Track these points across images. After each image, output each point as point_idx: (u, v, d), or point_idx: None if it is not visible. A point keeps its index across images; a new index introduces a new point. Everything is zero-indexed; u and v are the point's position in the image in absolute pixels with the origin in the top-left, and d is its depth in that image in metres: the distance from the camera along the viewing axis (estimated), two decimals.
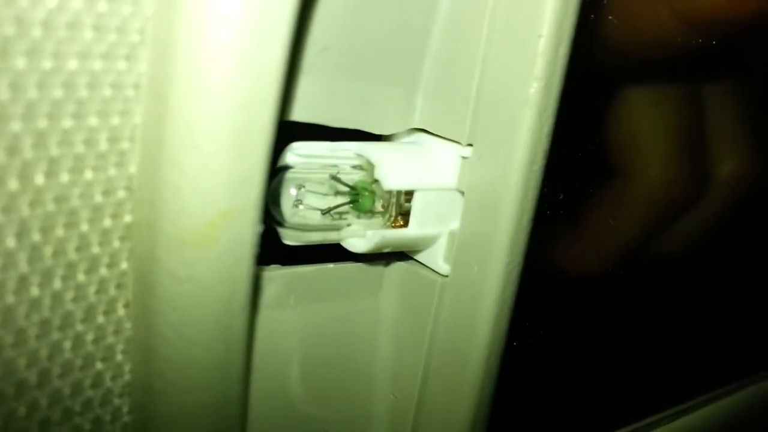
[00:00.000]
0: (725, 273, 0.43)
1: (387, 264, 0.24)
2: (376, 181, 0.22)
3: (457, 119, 0.22)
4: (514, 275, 0.22)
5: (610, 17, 0.29)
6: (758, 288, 0.45)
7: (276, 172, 0.21)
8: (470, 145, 0.22)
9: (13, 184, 0.14)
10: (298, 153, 0.21)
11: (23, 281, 0.15)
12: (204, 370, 0.17)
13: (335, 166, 0.22)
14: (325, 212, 0.22)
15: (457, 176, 0.22)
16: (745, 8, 0.28)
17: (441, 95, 0.22)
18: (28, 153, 0.15)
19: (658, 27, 0.29)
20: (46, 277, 0.16)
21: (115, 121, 0.16)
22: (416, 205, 0.22)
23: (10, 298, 0.15)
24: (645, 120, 0.34)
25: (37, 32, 0.14)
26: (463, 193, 0.22)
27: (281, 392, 0.22)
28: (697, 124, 0.36)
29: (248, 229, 0.16)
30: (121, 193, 0.17)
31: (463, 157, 0.22)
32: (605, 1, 0.29)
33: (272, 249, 0.22)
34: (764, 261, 0.44)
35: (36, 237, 0.15)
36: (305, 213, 0.21)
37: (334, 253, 0.23)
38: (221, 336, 0.17)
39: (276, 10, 0.15)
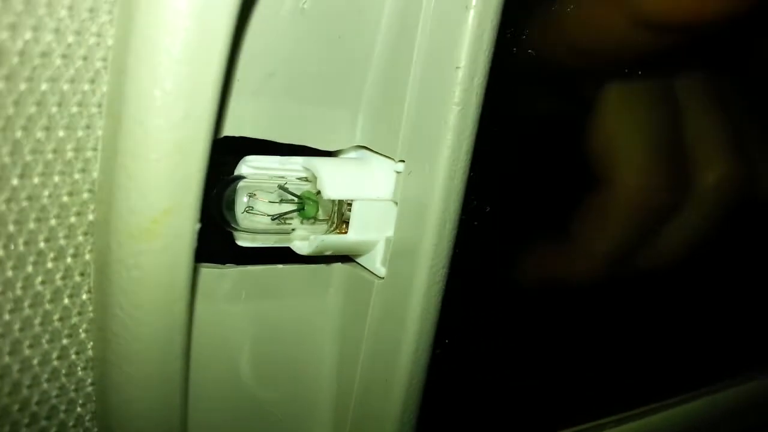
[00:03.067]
0: (712, 282, 0.42)
1: (333, 266, 0.27)
2: (320, 192, 0.25)
3: (392, 138, 0.25)
4: (440, 276, 0.25)
5: (566, 26, 0.30)
6: (746, 294, 0.45)
7: (230, 181, 0.24)
8: (402, 161, 0.25)
9: None
10: (250, 165, 0.24)
11: None
12: (148, 345, 0.20)
13: (283, 177, 0.25)
14: (274, 218, 0.25)
15: (393, 188, 0.25)
16: (700, 12, 0.28)
17: (378, 116, 0.25)
18: (5, 158, 0.18)
19: (616, 32, 0.30)
20: (20, 261, 0.19)
21: (81, 133, 0.19)
22: (354, 214, 0.25)
23: None
24: (618, 127, 0.34)
25: (14, 60, 0.18)
26: (396, 203, 0.25)
27: (231, 377, 0.25)
28: (673, 130, 0.36)
29: (187, 225, 0.19)
30: (86, 195, 0.20)
31: (397, 172, 0.25)
32: (559, 12, 0.30)
33: (229, 251, 0.25)
34: (751, 267, 0.44)
35: (11, 228, 0.18)
36: (255, 218, 0.24)
37: (288, 257, 0.26)
38: (163, 317, 0.19)
39: (210, 46, 0.18)
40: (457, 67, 0.23)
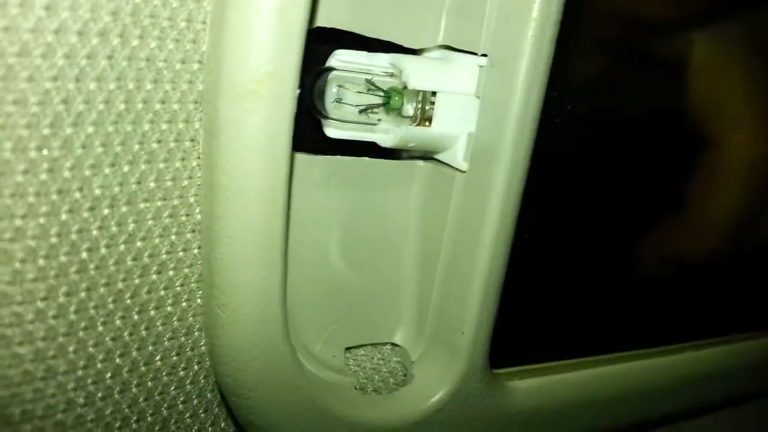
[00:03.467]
0: None
1: (416, 162, 0.28)
2: (405, 87, 0.26)
3: (475, 33, 0.26)
4: (520, 169, 0.25)
5: None
6: None
7: (322, 71, 0.26)
8: (485, 55, 0.26)
9: (115, 40, 0.20)
10: (340, 59, 0.26)
11: (119, 116, 0.20)
12: (253, 200, 0.21)
13: (370, 72, 0.26)
14: (362, 110, 0.26)
15: (476, 83, 0.26)
16: None
17: (462, 13, 0.26)
18: (126, 18, 0.20)
19: None
20: (138, 118, 0.21)
21: (192, 5, 0.21)
22: (438, 106, 0.26)
23: (110, 128, 0.20)
24: (718, 78, 0.32)
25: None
26: (479, 97, 0.26)
27: (322, 257, 0.27)
28: None
29: (288, 87, 0.21)
30: (196, 66, 0.22)
31: (480, 66, 0.26)
32: None
33: (320, 146, 0.27)
34: None
35: (130, 85, 0.20)
36: (344, 108, 0.26)
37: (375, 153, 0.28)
38: (266, 167, 0.21)
39: None
40: None
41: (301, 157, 0.26)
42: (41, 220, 0.20)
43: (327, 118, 0.26)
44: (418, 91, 0.26)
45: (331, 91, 0.26)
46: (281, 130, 0.21)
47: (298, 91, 0.21)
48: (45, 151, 0.19)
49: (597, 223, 0.32)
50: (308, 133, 0.26)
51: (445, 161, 0.28)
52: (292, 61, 0.21)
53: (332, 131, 0.26)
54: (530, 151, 0.26)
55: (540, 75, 0.25)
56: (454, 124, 0.27)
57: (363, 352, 0.29)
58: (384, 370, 0.29)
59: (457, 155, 0.27)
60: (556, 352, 0.31)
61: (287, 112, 0.21)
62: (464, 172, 0.27)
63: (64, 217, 0.20)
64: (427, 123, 0.27)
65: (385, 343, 0.29)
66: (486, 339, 0.27)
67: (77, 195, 0.20)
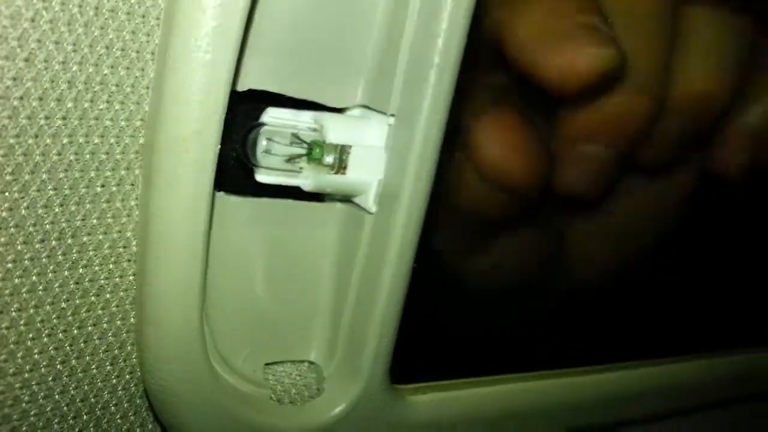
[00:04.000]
0: None
1: (335, 205, 0.33)
2: (325, 140, 0.30)
3: (386, 96, 0.30)
4: (416, 211, 0.30)
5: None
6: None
7: (255, 126, 0.30)
8: (393, 115, 0.30)
9: (70, 104, 0.24)
10: (270, 115, 0.30)
11: (70, 165, 0.25)
12: (176, 233, 0.25)
13: (296, 127, 0.31)
14: (287, 159, 0.30)
15: (385, 138, 0.31)
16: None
17: (376, 79, 0.31)
18: (80, 86, 0.24)
19: None
20: (85, 167, 0.25)
21: (138, 73, 0.25)
22: (352, 157, 0.31)
23: (61, 175, 0.24)
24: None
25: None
26: (387, 150, 0.31)
27: (246, 285, 0.31)
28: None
29: (211, 144, 0.25)
30: (138, 123, 0.26)
31: (389, 124, 0.30)
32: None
33: (249, 190, 0.31)
34: None
35: (81, 139, 0.25)
36: (272, 157, 0.30)
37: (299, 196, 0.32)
38: (189, 209, 0.25)
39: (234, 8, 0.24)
40: (438, 35, 0.28)
41: (233, 200, 0.30)
42: (0, 249, 0.24)
43: (257, 166, 0.30)
44: (337, 144, 0.31)
45: (262, 143, 0.30)
46: (204, 179, 0.25)
47: (219, 147, 0.26)
48: (6, 194, 0.24)
49: (496, 251, 0.36)
50: (240, 178, 0.31)
51: (359, 204, 0.32)
52: (214, 122, 0.25)
53: (262, 177, 0.30)
54: (428, 195, 0.30)
55: (435, 133, 0.29)
56: (367, 173, 0.31)
57: (282, 368, 0.33)
58: (300, 384, 0.33)
59: (368, 199, 0.31)
60: (457, 369, 0.36)
61: (209, 165, 0.25)
62: (373, 213, 0.31)
63: (19, 247, 0.24)
64: (343, 171, 0.31)
65: (303, 361, 0.33)
66: (386, 358, 0.31)
67: (31, 229, 0.24)
